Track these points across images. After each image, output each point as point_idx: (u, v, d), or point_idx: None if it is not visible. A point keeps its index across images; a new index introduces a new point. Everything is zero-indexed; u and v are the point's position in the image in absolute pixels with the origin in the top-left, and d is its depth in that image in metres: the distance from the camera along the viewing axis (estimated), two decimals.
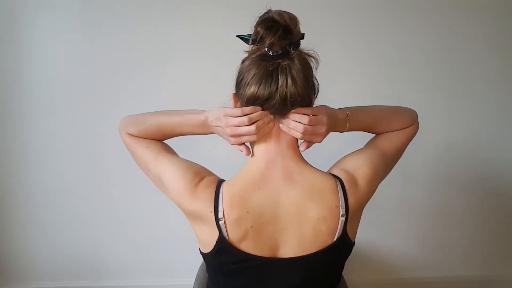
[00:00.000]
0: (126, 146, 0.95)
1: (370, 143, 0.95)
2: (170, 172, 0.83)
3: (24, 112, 1.76)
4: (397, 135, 0.94)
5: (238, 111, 0.78)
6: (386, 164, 0.89)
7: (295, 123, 0.79)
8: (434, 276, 2.00)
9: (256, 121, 0.78)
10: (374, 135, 0.97)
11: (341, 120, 0.85)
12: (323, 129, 0.81)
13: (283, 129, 0.80)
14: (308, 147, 0.83)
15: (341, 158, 0.90)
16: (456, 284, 1.98)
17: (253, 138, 0.79)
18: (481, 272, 2.01)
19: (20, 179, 1.82)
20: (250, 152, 0.83)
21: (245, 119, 0.77)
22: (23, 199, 1.84)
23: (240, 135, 0.80)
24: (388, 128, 0.94)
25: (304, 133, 0.79)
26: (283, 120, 0.80)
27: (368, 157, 0.87)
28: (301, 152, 0.84)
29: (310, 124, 0.78)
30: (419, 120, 1.01)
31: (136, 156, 0.93)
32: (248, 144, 0.84)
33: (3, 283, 1.91)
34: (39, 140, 1.79)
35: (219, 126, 0.82)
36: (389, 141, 0.93)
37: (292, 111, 0.78)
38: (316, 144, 0.85)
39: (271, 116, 0.79)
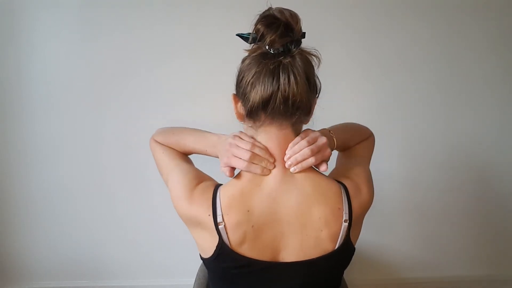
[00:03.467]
0: (151, 150, 0.99)
1: (349, 155, 0.97)
2: (173, 177, 0.84)
3: (24, 112, 1.76)
4: (368, 145, 1.01)
5: (250, 138, 0.78)
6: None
7: (300, 154, 0.76)
8: (434, 276, 1.99)
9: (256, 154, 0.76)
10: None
11: (329, 137, 0.85)
12: (323, 140, 0.80)
13: (297, 169, 0.76)
14: (327, 165, 0.80)
15: (335, 169, 0.92)
16: (456, 284, 1.98)
17: (241, 164, 0.76)
18: (481, 272, 2.00)
19: (20, 179, 1.82)
20: (233, 174, 0.79)
21: (249, 143, 0.77)
22: (23, 199, 1.83)
23: (233, 155, 0.78)
24: (356, 141, 0.99)
25: (313, 152, 0.76)
26: (288, 164, 0.76)
27: (361, 164, 0.90)
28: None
29: (310, 143, 0.77)
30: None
31: (155, 160, 0.96)
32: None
33: (3, 283, 1.90)
34: (39, 140, 1.79)
35: (224, 144, 0.81)
36: (365, 151, 0.99)
37: (286, 151, 0.77)
38: None
39: (273, 164, 0.77)
